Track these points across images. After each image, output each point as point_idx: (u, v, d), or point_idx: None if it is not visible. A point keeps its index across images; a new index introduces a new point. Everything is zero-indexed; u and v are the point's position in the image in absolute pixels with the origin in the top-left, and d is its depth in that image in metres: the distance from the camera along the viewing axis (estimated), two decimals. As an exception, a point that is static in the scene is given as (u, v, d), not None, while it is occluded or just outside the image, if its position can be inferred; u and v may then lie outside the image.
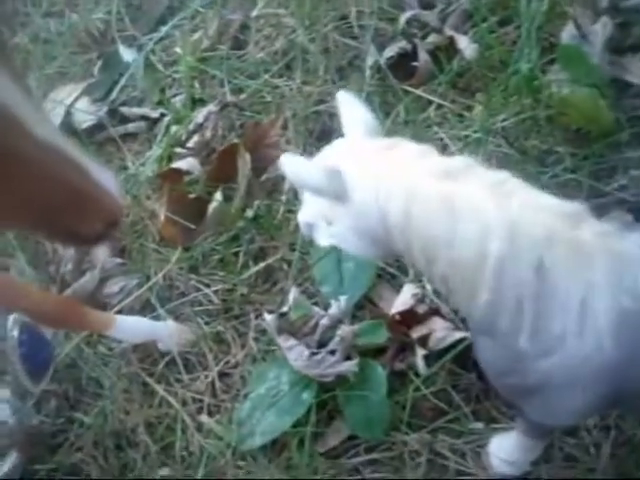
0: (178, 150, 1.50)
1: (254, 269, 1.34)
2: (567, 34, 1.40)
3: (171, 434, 1.22)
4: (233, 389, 1.24)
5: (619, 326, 0.71)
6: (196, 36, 1.68)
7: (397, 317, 1.20)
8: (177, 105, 1.59)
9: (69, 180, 0.61)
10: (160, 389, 1.26)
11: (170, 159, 1.49)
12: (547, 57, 1.40)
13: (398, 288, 1.24)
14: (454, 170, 0.74)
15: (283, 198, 1.39)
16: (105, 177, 0.63)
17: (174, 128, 1.54)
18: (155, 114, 1.60)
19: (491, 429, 1.12)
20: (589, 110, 1.29)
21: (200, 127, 1.51)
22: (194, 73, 1.62)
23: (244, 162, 1.41)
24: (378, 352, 1.19)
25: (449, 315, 1.19)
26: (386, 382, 1.14)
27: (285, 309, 1.17)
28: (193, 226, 1.38)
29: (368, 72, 1.49)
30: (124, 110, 1.63)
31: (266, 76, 1.57)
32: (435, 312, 1.20)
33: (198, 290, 1.34)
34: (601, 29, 1.37)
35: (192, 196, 1.42)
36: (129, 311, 1.34)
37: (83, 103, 1.65)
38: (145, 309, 1.35)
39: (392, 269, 1.27)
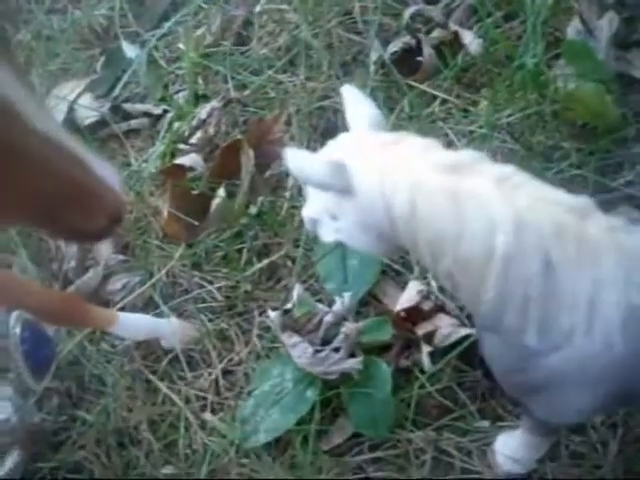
0: (181, 146, 1.50)
1: (258, 266, 1.33)
2: (573, 29, 1.40)
3: (174, 432, 1.22)
4: (237, 386, 1.24)
5: (628, 322, 0.70)
6: (199, 32, 1.67)
7: (402, 314, 1.19)
8: (180, 101, 1.58)
9: (72, 176, 0.61)
10: (163, 387, 1.26)
11: (173, 155, 1.49)
12: (552, 52, 1.40)
13: (403, 285, 1.24)
14: (459, 164, 0.73)
15: (287, 194, 1.39)
16: (108, 173, 0.63)
17: (177, 124, 1.53)
18: (158, 110, 1.60)
19: (497, 427, 1.11)
20: (595, 105, 1.28)
21: (203, 123, 1.51)
22: (197, 69, 1.61)
23: (247, 158, 1.41)
24: (383, 349, 1.19)
25: (454, 312, 1.19)
26: (391, 379, 1.13)
27: (289, 306, 1.17)
28: (196, 223, 1.37)
29: (372, 67, 1.49)
30: (127, 106, 1.63)
31: (270, 72, 1.56)
32: (440, 309, 1.19)
33: (201, 287, 1.34)
34: (607, 24, 1.37)
35: (195, 192, 1.42)
36: (132, 308, 1.34)
37: (86, 99, 1.65)
38: (148, 306, 1.35)
39: (397, 265, 1.27)
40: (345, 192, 0.76)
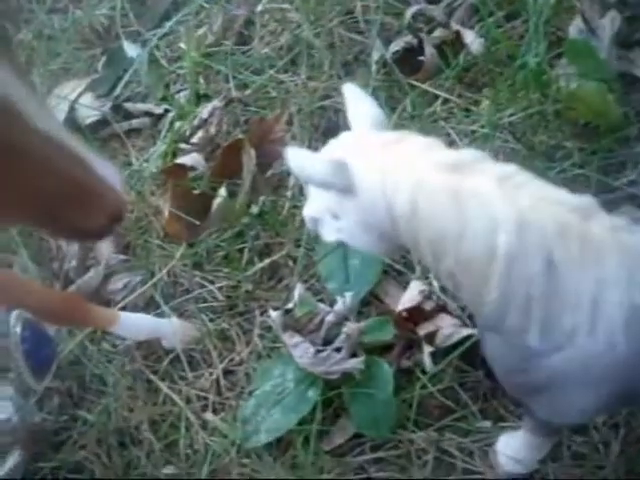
0: (182, 146, 1.49)
1: (259, 265, 1.33)
2: (575, 28, 1.39)
3: (175, 432, 1.21)
4: (238, 386, 1.23)
5: (631, 322, 0.70)
6: (200, 31, 1.67)
7: (404, 314, 1.19)
8: (181, 101, 1.58)
9: (73, 175, 0.61)
10: (164, 386, 1.25)
11: (174, 155, 1.48)
12: (554, 51, 1.39)
13: (405, 285, 1.23)
14: (461, 163, 0.73)
15: (288, 194, 1.38)
16: (109, 172, 0.63)
17: (178, 124, 1.53)
18: (159, 110, 1.60)
19: (499, 427, 1.11)
20: (597, 105, 1.28)
21: (205, 123, 1.51)
22: (198, 69, 1.61)
23: (249, 158, 1.41)
24: (384, 349, 1.19)
25: (456, 312, 1.19)
26: (392, 380, 1.13)
27: (290, 306, 1.16)
28: (197, 222, 1.37)
29: (374, 67, 1.49)
30: (128, 106, 1.62)
31: (271, 71, 1.56)
32: (442, 309, 1.19)
33: (202, 287, 1.34)
34: (609, 23, 1.37)
35: (196, 192, 1.42)
36: (133, 308, 1.33)
37: (87, 99, 1.64)
38: (149, 306, 1.34)
39: (398, 265, 1.26)
40: (346, 191, 0.76)
